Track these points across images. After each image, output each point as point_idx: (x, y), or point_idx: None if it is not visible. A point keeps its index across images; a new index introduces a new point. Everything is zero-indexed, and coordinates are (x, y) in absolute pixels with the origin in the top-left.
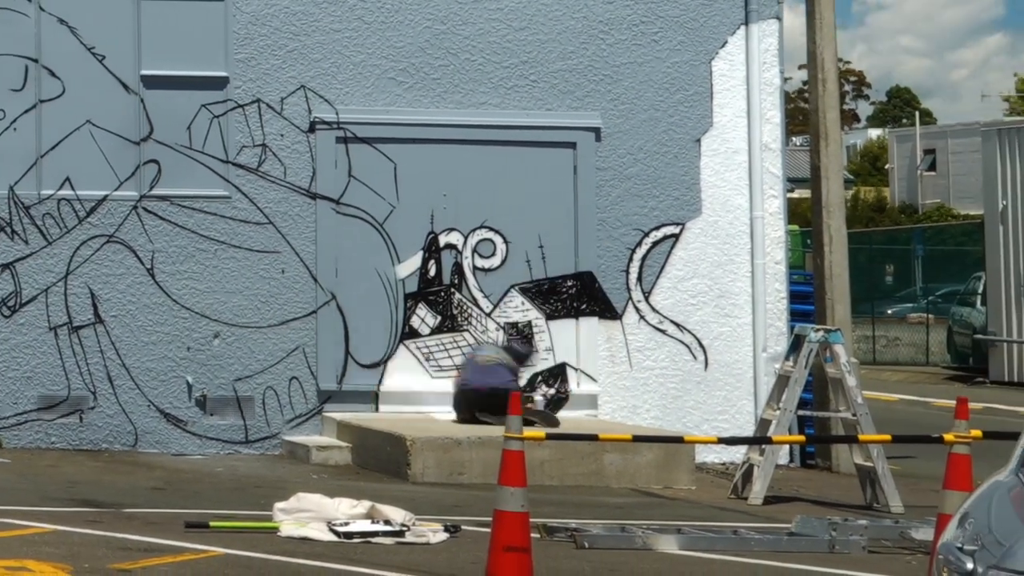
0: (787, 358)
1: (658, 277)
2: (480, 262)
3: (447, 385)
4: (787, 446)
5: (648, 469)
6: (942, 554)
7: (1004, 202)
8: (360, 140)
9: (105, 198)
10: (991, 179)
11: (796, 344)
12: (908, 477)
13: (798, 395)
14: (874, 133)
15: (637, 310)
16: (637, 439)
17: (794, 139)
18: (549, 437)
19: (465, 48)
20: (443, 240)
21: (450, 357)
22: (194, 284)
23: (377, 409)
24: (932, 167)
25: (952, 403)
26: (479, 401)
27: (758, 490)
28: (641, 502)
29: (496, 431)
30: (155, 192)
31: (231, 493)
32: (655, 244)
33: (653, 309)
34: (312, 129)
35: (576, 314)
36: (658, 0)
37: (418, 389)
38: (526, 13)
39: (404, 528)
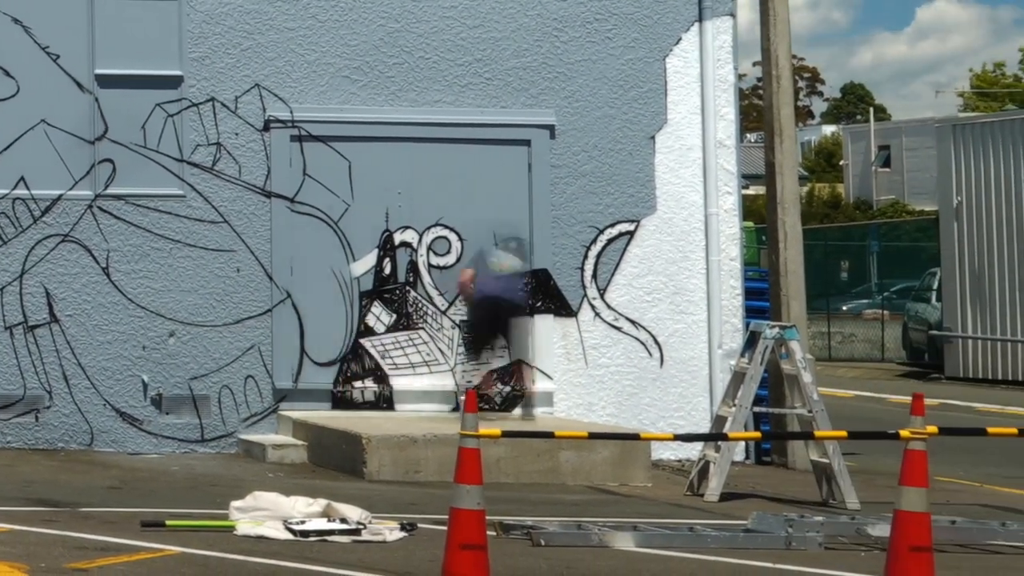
0: (742, 355)
1: (613, 274)
2: (435, 260)
3: (404, 383)
4: (743, 443)
5: (604, 466)
6: None
7: (959, 198)
8: (315, 138)
9: (60, 197)
10: (946, 175)
11: (751, 341)
12: (864, 473)
13: (754, 392)
14: (828, 129)
15: (592, 307)
16: (593, 436)
17: (749, 136)
18: (505, 435)
19: (419, 46)
20: (398, 238)
21: (405, 355)
22: (149, 283)
23: (333, 407)
24: (887, 163)
25: (908, 399)
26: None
27: (714, 487)
28: (597, 499)
29: (452, 428)
30: (110, 191)
31: (187, 492)
32: (610, 241)
33: (608, 306)
34: (267, 128)
35: (531, 311)
36: None
37: (374, 386)
38: (480, 11)
39: (360, 526)
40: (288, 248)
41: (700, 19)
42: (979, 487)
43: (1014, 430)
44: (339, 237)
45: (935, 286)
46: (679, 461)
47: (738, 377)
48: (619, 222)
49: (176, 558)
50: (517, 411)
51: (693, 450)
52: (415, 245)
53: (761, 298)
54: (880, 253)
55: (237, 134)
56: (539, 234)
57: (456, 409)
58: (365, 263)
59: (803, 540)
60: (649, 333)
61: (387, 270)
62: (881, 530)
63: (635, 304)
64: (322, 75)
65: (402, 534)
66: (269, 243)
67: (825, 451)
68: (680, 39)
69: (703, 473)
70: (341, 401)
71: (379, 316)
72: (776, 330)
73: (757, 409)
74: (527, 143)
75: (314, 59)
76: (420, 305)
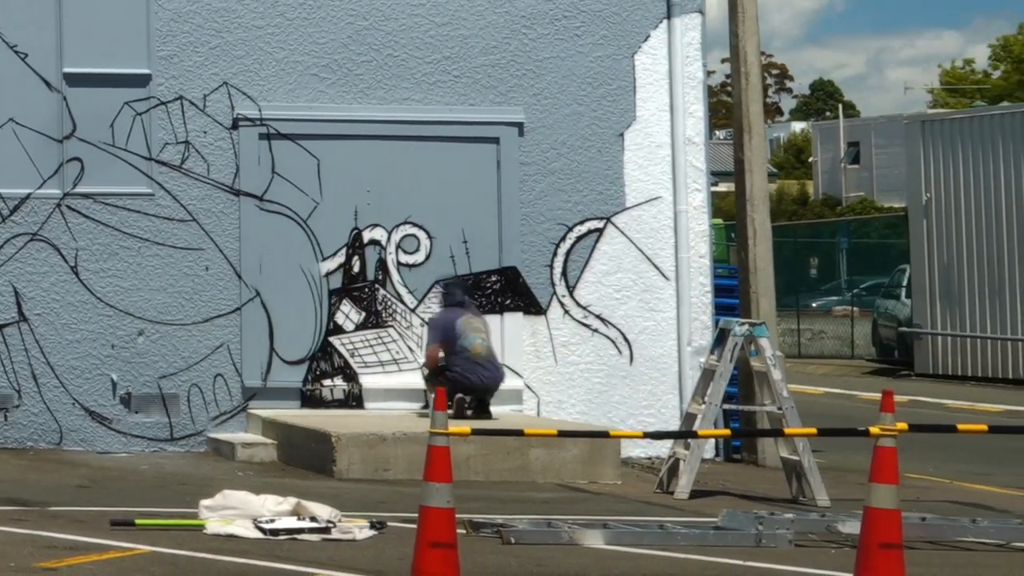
0: (712, 352)
1: (582, 272)
2: (404, 258)
3: (373, 381)
4: (713, 440)
5: (574, 464)
6: None
7: (928, 194)
8: (283, 136)
9: (28, 196)
10: (915, 171)
11: (721, 338)
12: (834, 470)
13: (723, 389)
14: (797, 126)
15: (562, 305)
16: (563, 434)
17: (718, 133)
18: (475, 432)
19: (388, 44)
20: (367, 236)
21: (375, 353)
22: (118, 282)
23: (302, 406)
24: (856, 160)
25: (877, 396)
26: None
27: (684, 484)
28: (567, 497)
29: (422, 426)
30: (78, 190)
31: (156, 491)
32: (579, 239)
33: (578, 304)
34: (235, 126)
35: (500, 309)
36: None
37: (343, 385)
38: (449, 8)
39: (330, 525)
40: (257, 246)
41: (669, 16)
42: (949, 484)
43: (984, 427)
44: (308, 235)
45: (904, 283)
46: (649, 459)
47: (708, 374)
48: (588, 219)
49: (146, 557)
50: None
51: (663, 448)
52: (384, 243)
53: (731, 295)
54: (849, 250)
55: (206, 132)
56: (508, 231)
57: (426, 407)
58: (334, 261)
59: (773, 537)
60: (619, 330)
61: (356, 268)
62: (851, 527)
63: (604, 301)
64: (290, 73)
65: (372, 532)
66: (238, 241)
67: (795, 448)
68: (649, 36)
69: (673, 471)
70: (310, 399)
71: (348, 314)
72: (746, 327)
73: (727, 406)
74: (496, 141)
75: (282, 57)
76: (389, 303)
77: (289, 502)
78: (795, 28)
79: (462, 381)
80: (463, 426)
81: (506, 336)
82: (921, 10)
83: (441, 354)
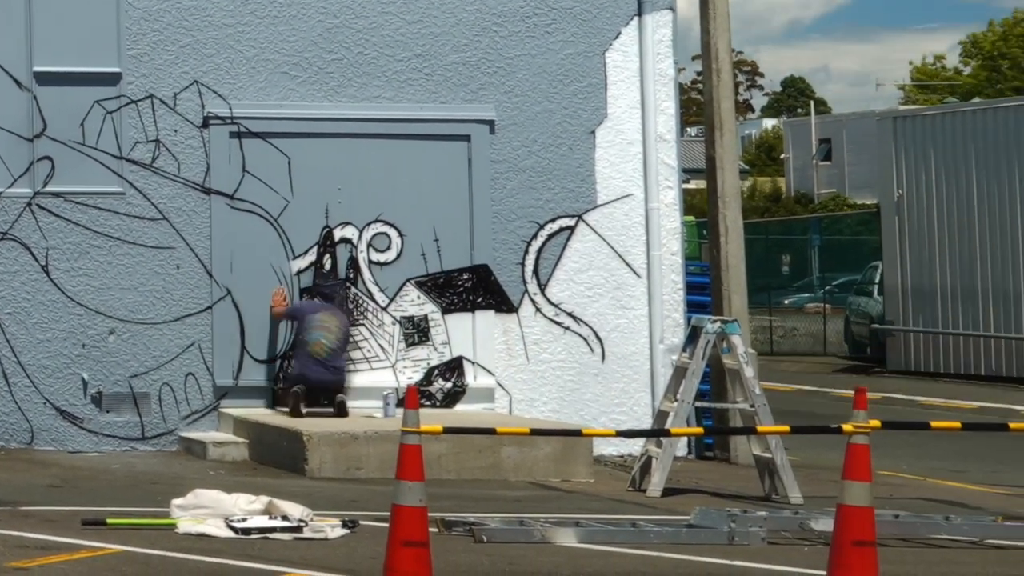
0: (684, 349)
1: (554, 269)
2: (375, 256)
3: (349, 379)
4: (685, 438)
5: (546, 462)
6: None
7: (900, 191)
8: (254, 135)
9: None
10: (887, 168)
11: (693, 335)
12: (807, 468)
13: (695, 386)
14: (769, 123)
15: (533, 303)
16: (535, 432)
17: (689, 130)
18: (446, 431)
19: (358, 42)
20: (338, 234)
21: (346, 351)
22: (89, 281)
23: (274, 405)
24: (827, 156)
25: (850, 393)
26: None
27: (657, 482)
28: (539, 495)
29: (393, 425)
30: (49, 189)
31: (128, 490)
32: (551, 236)
33: (549, 302)
34: (206, 124)
35: (472, 307)
36: None
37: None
38: (419, 6)
39: (302, 524)
40: (228, 245)
41: (639, 13)
42: (923, 481)
43: (957, 424)
44: (279, 233)
45: (877, 280)
46: (621, 457)
47: (680, 372)
48: (559, 217)
49: (117, 556)
50: (459, 407)
51: (635, 446)
52: (355, 241)
53: (703, 293)
54: (821, 247)
55: (176, 131)
56: (479, 229)
57: (398, 405)
58: (305, 260)
59: (746, 535)
60: (591, 328)
61: (327, 266)
62: (824, 524)
63: (576, 299)
64: (261, 71)
65: (344, 531)
66: (209, 240)
67: (768, 446)
68: (619, 33)
69: (645, 468)
70: (282, 398)
71: None
72: (718, 324)
73: (699, 404)
74: (467, 138)
75: (253, 55)
76: (360, 301)
77: (261, 501)
78: (770, 25)
79: (295, 373)
80: (340, 421)
81: (477, 334)
82: (894, 8)
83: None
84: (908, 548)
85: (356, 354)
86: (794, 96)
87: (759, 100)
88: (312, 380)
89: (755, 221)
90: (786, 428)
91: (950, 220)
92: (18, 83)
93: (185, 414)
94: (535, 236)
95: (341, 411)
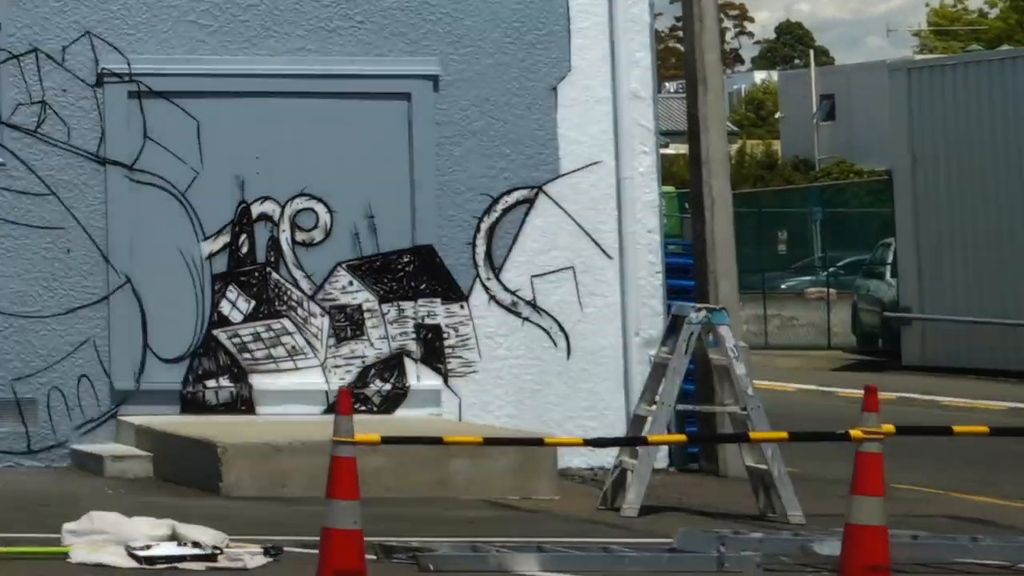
0: (664, 343)
1: (510, 250)
2: (300, 236)
3: (266, 381)
4: (666, 447)
5: (503, 477)
6: None
7: (916, 155)
8: (156, 94)
9: None
10: (900, 128)
11: (674, 326)
12: (809, 481)
13: (678, 387)
14: (760, 76)
15: (486, 289)
16: (489, 442)
17: (667, 85)
18: (385, 441)
19: None
20: (256, 211)
21: (267, 348)
22: None
23: (183, 411)
24: (830, 115)
25: (859, 393)
26: None
27: (632, 499)
28: (495, 516)
29: (323, 434)
30: None
31: (12, 513)
32: (506, 211)
33: (505, 288)
34: (100, 83)
35: (414, 295)
36: None
37: (231, 386)
38: None
39: (216, 551)
40: (127, 224)
41: None
42: (945, 495)
43: (985, 428)
44: (187, 210)
45: (889, 259)
46: (591, 469)
47: (659, 370)
48: (516, 189)
49: None
50: (400, 412)
51: (607, 456)
52: (276, 219)
53: (685, 276)
54: (824, 221)
55: (65, 91)
56: (422, 204)
57: (328, 411)
58: (218, 241)
59: (738, 561)
60: (553, 319)
61: (244, 249)
62: (830, 547)
63: (537, 285)
64: (164, 20)
65: (265, 559)
66: (104, 218)
67: (763, 455)
68: None
69: (619, 483)
70: (192, 404)
71: (235, 303)
72: (703, 313)
73: (682, 407)
74: (407, 97)
75: (155, 1)
76: (283, 289)
77: (167, 525)
78: None
79: None
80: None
81: (421, 327)
82: None
83: None
84: (929, 574)
85: (278, 351)
86: (791, 45)
87: (749, 50)
88: None
89: (746, 191)
90: (784, 435)
91: (974, 188)
92: None
93: (78, 423)
94: (488, 211)
95: None
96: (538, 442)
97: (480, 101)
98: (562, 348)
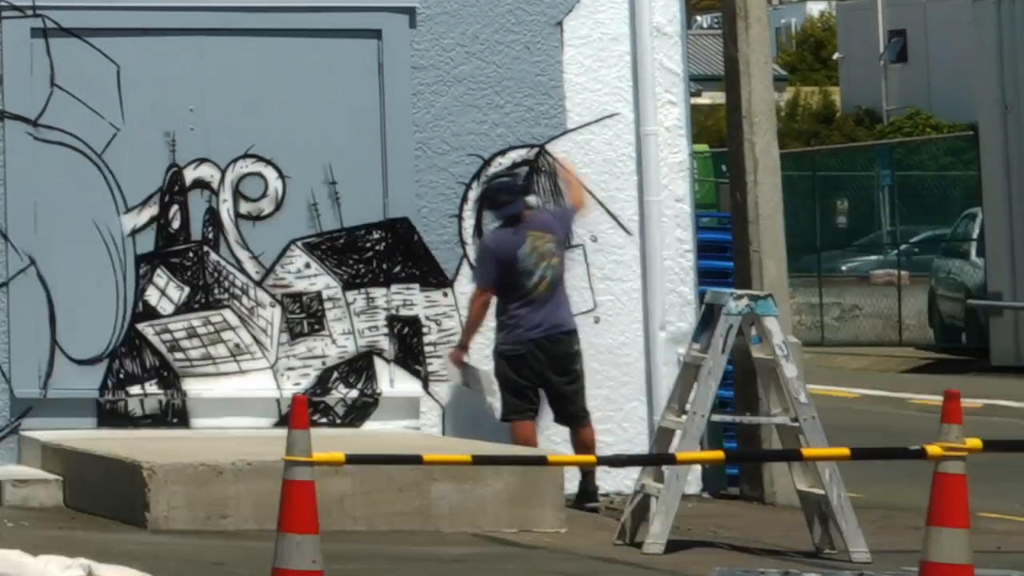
0: (696, 339)
1: None
2: (245, 207)
3: (204, 386)
4: (698, 468)
5: (497, 505)
6: None
7: (1008, 104)
8: (67, 32)
9: None
10: (988, 71)
11: (708, 319)
12: (876, 509)
13: (713, 393)
14: (816, 8)
15: None
16: (479, 461)
17: (700, 19)
18: (351, 461)
19: None
20: (190, 176)
21: (204, 346)
22: None
23: (100, 424)
24: (901, 56)
25: (938, 400)
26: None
27: (657, 532)
28: (488, 553)
29: (275, 452)
30: None
31: None
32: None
33: None
34: None
35: (387, 280)
36: None
37: (160, 393)
38: None
39: None
40: (30, 193)
41: None
42: None
43: None
44: (104, 176)
45: (975, 234)
46: (606, 495)
47: (690, 372)
48: (513, 148)
49: None
50: (370, 425)
51: (626, 479)
52: (215, 186)
53: (722, 256)
54: (894, 187)
55: None
56: (396, 167)
57: (280, 424)
58: (143, 214)
59: None
60: None
61: (176, 223)
62: None
63: None
64: None
65: None
66: (2, 186)
67: (818, 478)
68: None
69: (641, 512)
70: (112, 415)
71: (165, 290)
72: (744, 302)
73: (718, 417)
74: (376, 34)
75: None
76: (225, 273)
77: (81, 566)
78: None
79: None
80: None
81: (395, 320)
82: None
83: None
84: None
85: (219, 350)
86: None
87: None
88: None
89: (797, 151)
90: (846, 451)
91: None
92: None
93: None
94: (477, 176)
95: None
96: (540, 461)
97: (467, 39)
98: None
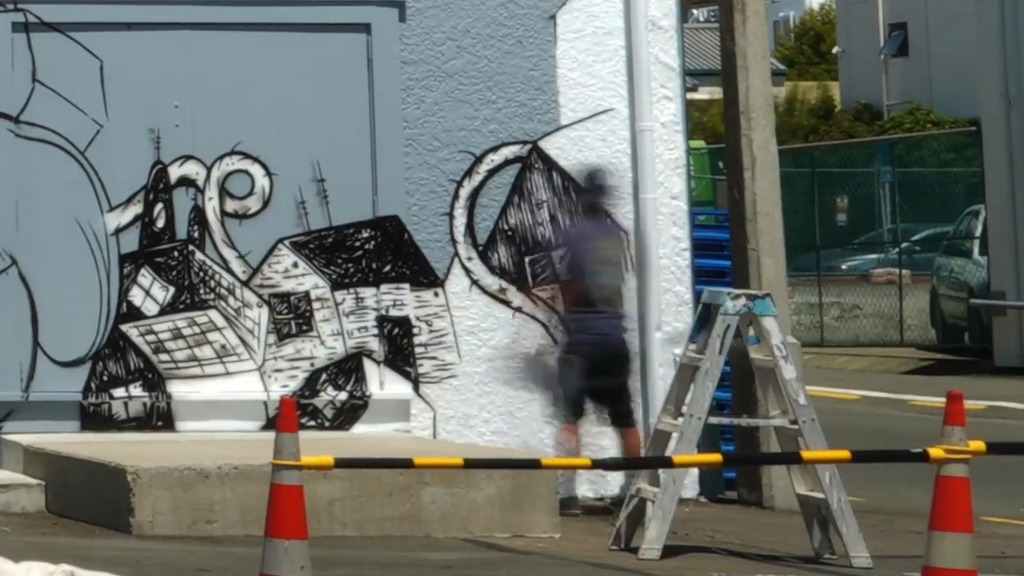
0: (692, 340)
1: (498, 223)
2: (232, 205)
3: (189, 389)
4: (695, 471)
5: (489, 509)
6: None
7: (1011, 99)
8: (49, 27)
9: None
10: (991, 65)
11: (705, 319)
12: (877, 513)
13: (710, 394)
14: (815, 1)
15: (468, 272)
16: (471, 465)
17: (696, 13)
18: (339, 465)
19: None
20: (175, 173)
21: (190, 348)
22: None
23: (84, 427)
24: (902, 50)
25: (940, 401)
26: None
27: (653, 537)
28: (480, 558)
29: (262, 455)
30: None
31: None
32: (492, 173)
33: (491, 271)
34: None
35: (377, 280)
36: None
37: (145, 395)
38: None
39: None
40: (11, 191)
41: None
42: None
43: None
44: (87, 173)
45: (978, 232)
46: (600, 499)
47: (686, 373)
48: (505, 144)
49: None
50: (359, 428)
51: (621, 483)
52: (201, 184)
53: (719, 254)
54: (895, 184)
55: None
56: (385, 165)
57: (268, 427)
58: (128, 211)
59: None
60: (552, 309)
61: (160, 221)
62: None
63: (531, 267)
64: None
65: None
66: None
67: (818, 481)
68: None
69: (637, 517)
70: (95, 418)
71: (149, 290)
72: (742, 302)
73: (715, 420)
74: (366, 29)
75: None
76: (211, 273)
77: (64, 571)
78: None
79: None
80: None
81: (385, 320)
82: None
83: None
84: None
85: (205, 352)
86: None
87: None
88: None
89: (796, 147)
90: (846, 454)
91: None
92: None
93: None
94: (469, 173)
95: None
96: (533, 464)
97: (458, 34)
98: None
